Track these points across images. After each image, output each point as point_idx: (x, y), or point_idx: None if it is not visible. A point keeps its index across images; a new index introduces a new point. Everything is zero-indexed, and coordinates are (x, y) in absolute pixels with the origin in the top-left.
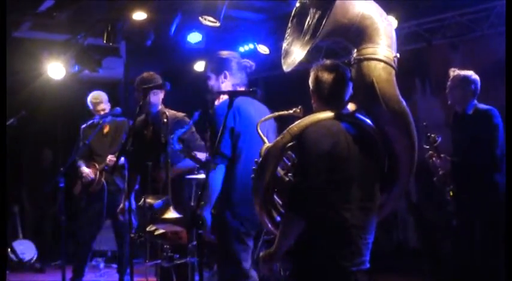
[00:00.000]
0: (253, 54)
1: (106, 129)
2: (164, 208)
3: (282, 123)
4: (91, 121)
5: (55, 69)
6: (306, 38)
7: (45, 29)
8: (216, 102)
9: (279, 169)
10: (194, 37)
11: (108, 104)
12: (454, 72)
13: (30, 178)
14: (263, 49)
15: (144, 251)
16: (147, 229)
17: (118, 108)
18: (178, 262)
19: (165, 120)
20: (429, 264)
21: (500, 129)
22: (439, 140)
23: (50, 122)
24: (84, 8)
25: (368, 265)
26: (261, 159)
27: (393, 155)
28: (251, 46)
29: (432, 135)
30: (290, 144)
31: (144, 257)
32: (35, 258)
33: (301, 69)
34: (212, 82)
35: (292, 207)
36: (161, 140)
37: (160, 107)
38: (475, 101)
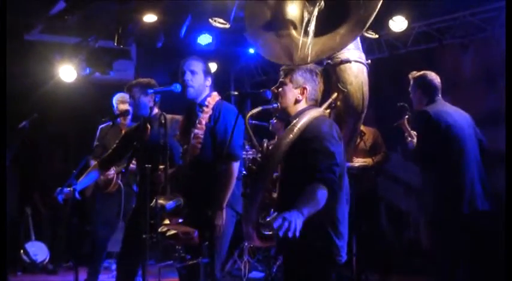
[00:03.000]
0: (263, 56)
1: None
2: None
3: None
4: (108, 122)
5: (66, 72)
6: (310, 35)
7: (56, 32)
8: (212, 101)
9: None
10: (204, 39)
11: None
12: (412, 75)
13: (42, 179)
14: None
15: (156, 253)
16: (159, 229)
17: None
18: (191, 262)
19: (163, 121)
20: (441, 264)
21: (427, 132)
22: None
23: (62, 124)
24: (95, 11)
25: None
26: (270, 154)
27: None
28: None
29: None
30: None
31: (156, 259)
32: (47, 259)
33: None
34: (199, 80)
35: (328, 182)
36: (160, 142)
37: (157, 110)
38: (434, 100)
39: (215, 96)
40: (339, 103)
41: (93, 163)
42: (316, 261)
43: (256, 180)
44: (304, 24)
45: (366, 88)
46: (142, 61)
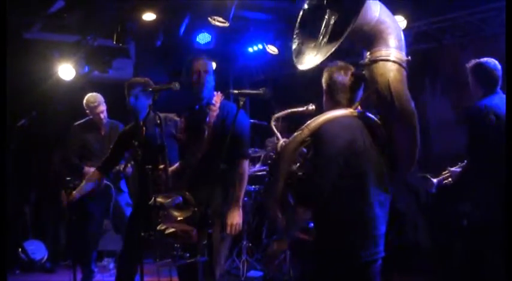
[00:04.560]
0: (262, 54)
1: (103, 132)
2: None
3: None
4: (86, 118)
5: (65, 70)
6: (324, 40)
7: (55, 31)
8: (218, 100)
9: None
10: (203, 37)
11: (105, 104)
12: (469, 64)
13: (40, 178)
14: (272, 49)
15: (154, 251)
16: (157, 227)
17: None
18: (189, 261)
19: (159, 121)
20: (440, 264)
21: (472, 130)
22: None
23: (60, 123)
24: (94, 9)
25: (383, 254)
26: (278, 153)
27: (395, 150)
28: (260, 46)
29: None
30: (307, 139)
31: (154, 257)
32: (45, 258)
33: (311, 70)
34: (212, 80)
35: (303, 199)
36: (157, 141)
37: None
38: (494, 92)
39: (220, 96)
40: (375, 100)
41: (83, 164)
42: (338, 261)
43: (272, 173)
44: (322, 30)
45: (394, 86)
46: (141, 60)
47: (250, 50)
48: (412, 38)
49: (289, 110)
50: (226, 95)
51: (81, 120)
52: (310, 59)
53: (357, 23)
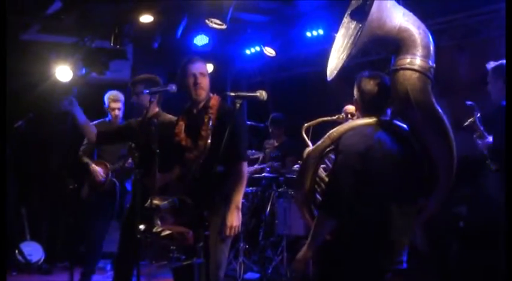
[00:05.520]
0: (259, 56)
1: None
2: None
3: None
4: (101, 119)
5: (63, 72)
6: (344, 49)
7: (53, 32)
8: (215, 103)
9: (321, 170)
10: (201, 39)
11: (123, 106)
12: (489, 65)
13: (38, 179)
14: (269, 51)
15: (149, 253)
16: (154, 230)
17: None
18: (185, 263)
19: (153, 127)
20: (436, 266)
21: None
22: (477, 115)
23: (58, 124)
24: (91, 11)
25: (405, 265)
26: (303, 160)
27: (432, 159)
28: (257, 48)
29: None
30: (329, 148)
31: (150, 259)
32: (42, 260)
33: (308, 71)
34: (208, 82)
35: (324, 206)
36: (152, 147)
37: (157, 109)
38: None
39: (217, 98)
40: (398, 108)
41: (89, 162)
42: (361, 270)
43: (297, 178)
44: (345, 41)
45: (414, 95)
46: (139, 61)
47: (248, 52)
48: None
49: (320, 119)
50: (223, 97)
51: (96, 121)
52: (330, 68)
53: (373, 31)
